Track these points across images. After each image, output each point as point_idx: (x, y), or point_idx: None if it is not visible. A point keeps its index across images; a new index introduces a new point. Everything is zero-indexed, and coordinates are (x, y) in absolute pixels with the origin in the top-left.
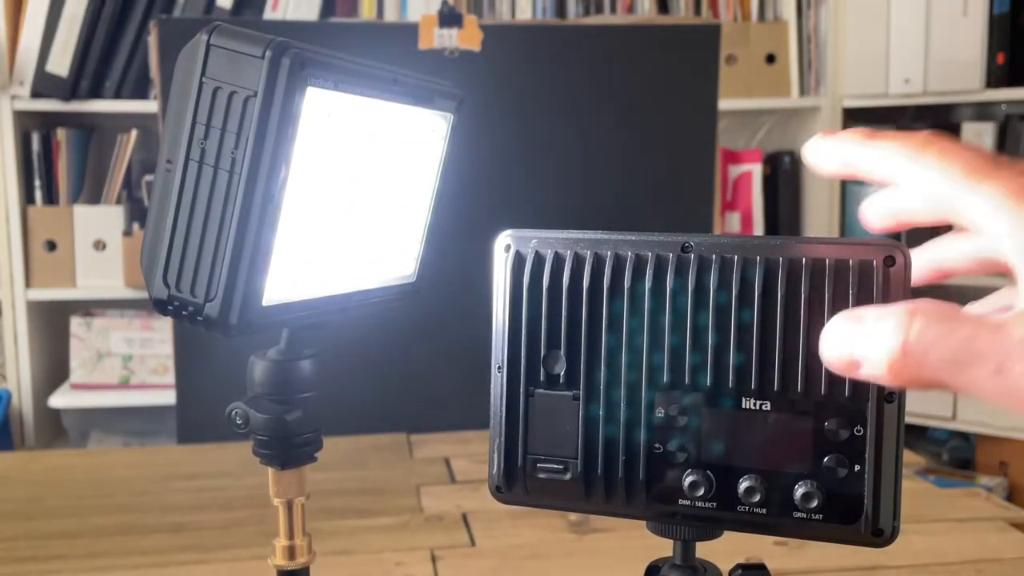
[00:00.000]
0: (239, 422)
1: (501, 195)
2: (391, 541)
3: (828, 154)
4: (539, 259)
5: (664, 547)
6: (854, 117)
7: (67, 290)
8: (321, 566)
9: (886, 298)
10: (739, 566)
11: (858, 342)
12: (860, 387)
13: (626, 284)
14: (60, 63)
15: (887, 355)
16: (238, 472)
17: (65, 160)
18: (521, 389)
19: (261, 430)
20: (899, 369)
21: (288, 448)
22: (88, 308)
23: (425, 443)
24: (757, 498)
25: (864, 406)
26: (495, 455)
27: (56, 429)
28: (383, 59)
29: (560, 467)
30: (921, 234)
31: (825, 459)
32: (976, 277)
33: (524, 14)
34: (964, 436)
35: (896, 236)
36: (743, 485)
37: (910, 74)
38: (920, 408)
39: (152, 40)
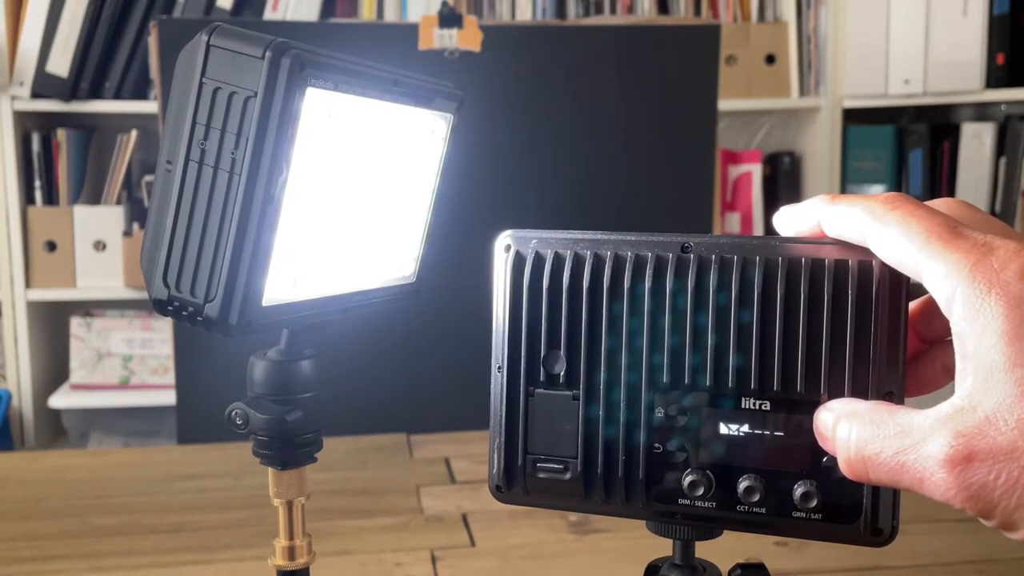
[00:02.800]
0: (239, 422)
1: (501, 195)
2: (391, 541)
3: (797, 219)
4: (539, 259)
5: (664, 547)
6: (854, 117)
7: (67, 290)
8: (321, 566)
9: (884, 299)
10: (739, 566)
11: (827, 446)
12: (859, 386)
13: (626, 284)
14: (60, 63)
15: (843, 464)
16: (238, 472)
17: (65, 160)
18: (521, 389)
19: (261, 430)
20: (853, 475)
21: (288, 448)
22: (88, 308)
23: (425, 443)
24: (756, 498)
25: None
26: (495, 455)
27: (56, 429)
28: (383, 60)
29: (560, 467)
30: None
31: (824, 459)
32: None
33: (524, 15)
34: None
35: None
36: (743, 485)
37: (910, 74)
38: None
39: (152, 40)
